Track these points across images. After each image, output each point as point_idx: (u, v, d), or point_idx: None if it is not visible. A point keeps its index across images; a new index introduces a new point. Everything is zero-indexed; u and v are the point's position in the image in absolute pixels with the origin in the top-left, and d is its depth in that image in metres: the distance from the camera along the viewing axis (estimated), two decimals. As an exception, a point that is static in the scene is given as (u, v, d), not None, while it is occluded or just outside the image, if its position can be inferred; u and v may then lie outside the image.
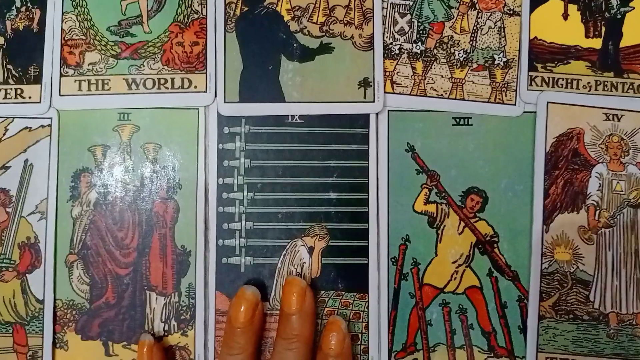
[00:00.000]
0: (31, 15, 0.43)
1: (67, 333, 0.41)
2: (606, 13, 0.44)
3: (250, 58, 0.43)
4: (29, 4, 0.43)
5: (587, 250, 0.42)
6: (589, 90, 0.43)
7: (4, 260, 0.41)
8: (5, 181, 0.42)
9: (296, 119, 0.42)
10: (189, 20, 0.43)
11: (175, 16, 0.43)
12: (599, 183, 0.42)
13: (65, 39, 0.43)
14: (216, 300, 0.41)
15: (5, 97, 0.42)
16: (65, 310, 0.41)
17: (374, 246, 0.42)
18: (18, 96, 0.42)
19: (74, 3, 0.43)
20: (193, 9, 0.43)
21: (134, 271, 0.41)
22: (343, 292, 0.41)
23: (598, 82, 0.43)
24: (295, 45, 0.43)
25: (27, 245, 0.41)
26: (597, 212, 0.42)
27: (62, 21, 0.43)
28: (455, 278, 0.42)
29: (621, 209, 0.42)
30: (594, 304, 0.42)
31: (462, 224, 0.42)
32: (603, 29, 0.44)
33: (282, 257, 0.42)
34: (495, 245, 0.42)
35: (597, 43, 0.44)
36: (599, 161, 0.42)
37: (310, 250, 0.42)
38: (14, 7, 0.43)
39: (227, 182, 0.42)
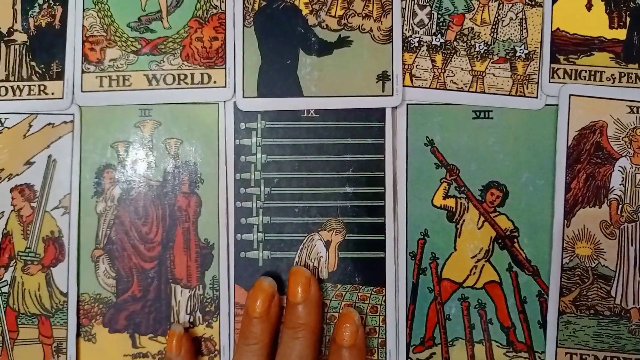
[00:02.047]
0: (53, 12, 0.44)
1: (94, 326, 0.42)
2: (631, 3, 0.43)
3: (269, 53, 0.43)
4: (51, 1, 0.44)
5: (609, 245, 0.41)
6: (613, 83, 0.42)
7: (30, 254, 0.42)
8: (29, 176, 0.43)
9: (312, 114, 0.42)
10: (208, 15, 0.43)
11: (195, 11, 0.43)
12: (622, 177, 0.42)
13: (87, 35, 0.43)
14: (235, 293, 0.41)
15: (29, 94, 0.43)
16: (93, 304, 0.42)
17: (391, 240, 0.42)
18: (41, 92, 0.43)
19: (94, 0, 0.43)
20: (212, 3, 0.43)
21: (158, 265, 0.42)
22: (360, 286, 0.42)
23: (622, 74, 0.42)
24: (313, 39, 0.43)
25: (51, 240, 0.42)
26: (620, 206, 0.41)
27: (83, 18, 0.43)
28: (474, 273, 0.42)
29: (645, 203, 0.41)
30: (616, 299, 0.41)
31: (482, 218, 0.42)
32: (628, 19, 0.43)
33: (299, 251, 0.42)
34: (515, 240, 0.42)
35: (621, 34, 0.43)
36: (622, 155, 0.42)
37: (327, 244, 0.42)
38: (36, 5, 0.44)
39: (244, 177, 0.42)
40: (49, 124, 0.43)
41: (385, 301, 0.41)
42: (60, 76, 0.43)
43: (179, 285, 0.42)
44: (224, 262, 0.42)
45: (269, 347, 0.39)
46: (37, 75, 0.43)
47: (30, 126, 0.43)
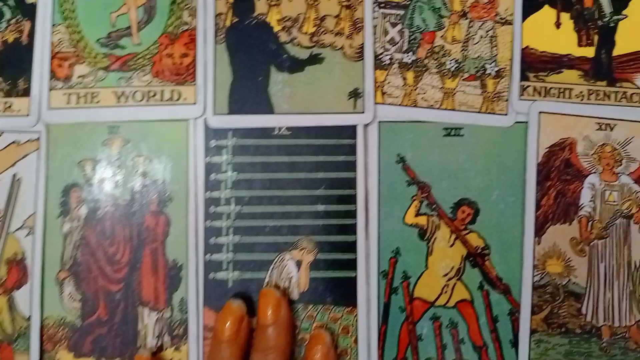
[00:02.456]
0: (21, 28, 0.43)
1: (59, 351, 0.41)
2: (599, 21, 0.43)
3: (240, 69, 0.42)
4: (18, 16, 0.43)
5: (580, 262, 0.41)
6: (582, 100, 0.43)
7: (-9, 277, 0.41)
8: (-7, 196, 0.42)
9: (283, 131, 0.42)
10: (179, 31, 0.43)
11: (165, 27, 0.43)
12: (592, 194, 0.42)
13: (55, 51, 0.42)
14: (204, 315, 0.41)
15: (-6, 111, 0.42)
16: (57, 329, 0.41)
17: (363, 259, 0.41)
18: (7, 109, 0.42)
19: (63, 15, 0.43)
20: (183, 20, 0.43)
21: (125, 287, 0.41)
22: (332, 306, 0.41)
23: (591, 92, 0.43)
24: (285, 56, 0.42)
25: (14, 262, 0.41)
26: (590, 223, 0.42)
27: (52, 33, 0.43)
28: (446, 291, 0.42)
29: (614, 220, 0.42)
30: (587, 317, 0.41)
31: (453, 236, 0.42)
32: (596, 37, 0.43)
33: (269, 271, 0.41)
34: (487, 257, 0.42)
35: (589, 52, 0.43)
36: (592, 171, 0.42)
37: (298, 264, 0.41)
38: (3, 20, 0.43)
39: (214, 196, 0.42)
40: (14, 142, 0.42)
41: (357, 321, 0.41)
42: (26, 93, 0.42)
43: (146, 307, 0.41)
44: (193, 284, 0.41)
45: None
46: (3, 92, 0.42)
47: (-5, 144, 0.42)
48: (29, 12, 0.43)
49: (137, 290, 0.41)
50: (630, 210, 0.42)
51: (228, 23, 0.43)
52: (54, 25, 0.43)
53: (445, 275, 0.42)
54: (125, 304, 0.41)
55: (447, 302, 0.42)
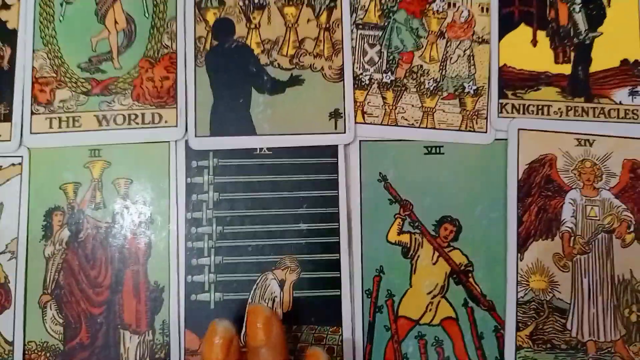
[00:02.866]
0: (1, 54, 0.43)
1: (40, 376, 0.40)
2: (575, 39, 0.44)
3: (221, 92, 0.43)
4: (-1, 42, 0.43)
5: (563, 277, 0.41)
6: (560, 116, 0.43)
7: (-27, 302, 0.41)
8: (-26, 221, 0.42)
9: (264, 151, 0.42)
10: (159, 55, 0.43)
11: (145, 51, 0.43)
12: (573, 209, 0.42)
13: (36, 76, 0.43)
14: (186, 338, 0.40)
15: (-24, 136, 0.42)
16: (40, 353, 0.40)
17: (347, 278, 0.41)
18: (-12, 134, 0.42)
19: (44, 41, 0.43)
20: (163, 43, 0.43)
21: (107, 310, 0.41)
22: (316, 326, 0.41)
23: (569, 108, 0.43)
24: (265, 78, 0.43)
25: (-4, 286, 0.41)
26: (572, 238, 0.42)
27: (33, 59, 0.43)
28: (430, 309, 0.41)
29: (596, 234, 0.42)
30: (572, 332, 0.41)
31: (436, 253, 0.42)
32: (572, 54, 0.44)
33: (252, 291, 0.41)
34: (470, 274, 0.42)
35: (566, 69, 0.44)
36: (572, 187, 0.42)
37: (282, 283, 0.41)
38: (-15, 46, 0.43)
39: (195, 216, 0.42)
40: (-4, 166, 0.42)
41: (341, 341, 0.41)
42: (7, 118, 0.42)
43: (127, 330, 0.41)
44: (175, 306, 0.41)
45: None
46: (-16, 117, 0.42)
47: (-23, 169, 0.42)
48: (10, 38, 0.43)
49: (118, 313, 0.41)
50: (612, 225, 0.42)
51: (208, 46, 0.43)
52: (35, 50, 0.43)
53: (430, 293, 0.42)
54: (107, 327, 0.41)
55: (432, 320, 0.41)
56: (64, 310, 0.41)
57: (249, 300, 0.41)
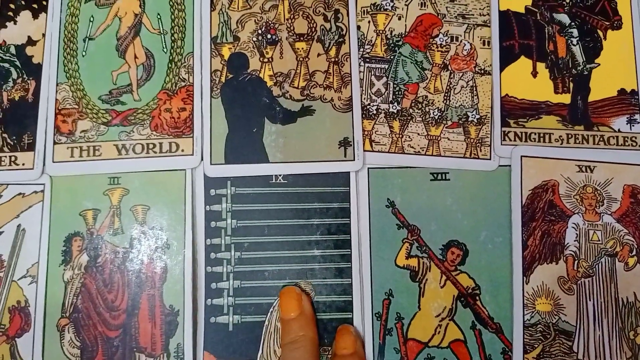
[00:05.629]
0: (26, 86, 0.45)
1: (57, 398, 0.41)
2: (573, 70, 0.46)
3: (235, 122, 0.45)
4: (24, 76, 0.46)
5: (568, 300, 0.42)
6: (561, 144, 0.45)
7: (-6, 325, 0.42)
8: (-3, 246, 0.43)
9: (280, 180, 0.44)
10: (177, 87, 0.45)
11: (164, 84, 0.45)
12: (576, 233, 0.43)
13: (59, 108, 0.45)
14: (204, 360, 0.41)
15: (0, 165, 0.44)
16: (57, 375, 0.42)
17: (358, 302, 0.42)
18: (12, 163, 0.44)
19: (67, 75, 0.45)
20: (180, 77, 0.45)
21: (123, 333, 0.42)
22: (329, 347, 0.42)
23: (569, 135, 0.45)
24: (278, 108, 0.45)
25: (17, 309, 0.42)
26: (576, 262, 0.43)
27: (57, 91, 0.45)
28: (439, 332, 0.42)
29: (599, 258, 0.43)
30: (578, 354, 0.42)
31: (444, 277, 0.43)
32: (571, 85, 0.46)
33: (269, 314, 0.42)
34: (477, 297, 0.43)
35: (566, 98, 0.45)
36: (575, 212, 0.44)
37: (296, 307, 0.42)
38: (10, 79, 0.46)
39: (214, 243, 0.43)
40: (20, 193, 0.44)
41: (352, 363, 0.41)
42: (31, 147, 0.44)
43: (143, 354, 0.42)
44: (189, 329, 0.42)
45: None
46: (9, 146, 0.44)
47: (1, 196, 0.44)
48: (35, 72, 0.45)
49: (134, 336, 0.42)
50: (615, 249, 0.43)
51: (223, 79, 0.45)
52: (58, 83, 0.45)
53: (438, 315, 0.43)
54: (123, 350, 0.42)
55: (441, 342, 0.42)
56: (81, 334, 0.42)
57: (266, 322, 0.42)
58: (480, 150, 0.44)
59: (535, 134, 0.45)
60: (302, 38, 0.46)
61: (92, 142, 0.44)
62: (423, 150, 0.44)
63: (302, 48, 0.46)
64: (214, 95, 0.45)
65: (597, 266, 0.43)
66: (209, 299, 0.42)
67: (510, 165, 0.44)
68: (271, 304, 0.42)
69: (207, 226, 0.43)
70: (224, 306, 0.42)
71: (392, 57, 0.46)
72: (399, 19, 0.46)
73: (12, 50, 0.46)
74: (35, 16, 0.46)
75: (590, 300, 0.42)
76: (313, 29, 0.46)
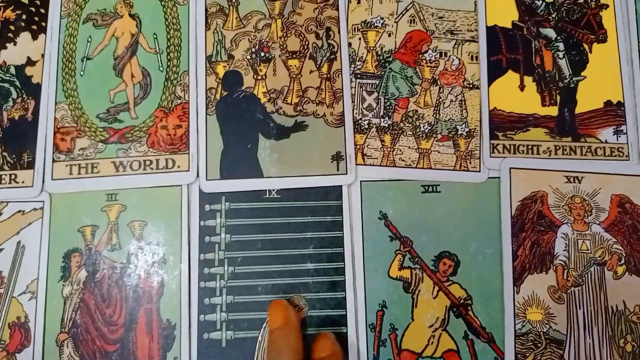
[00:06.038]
0: (26, 106, 0.46)
1: (56, 413, 0.42)
2: (560, 82, 0.47)
3: (230, 138, 0.46)
4: (24, 95, 0.47)
5: (559, 309, 0.43)
6: (549, 155, 0.46)
7: (-5, 341, 0.43)
8: (-3, 263, 0.44)
9: (273, 194, 0.45)
10: (173, 105, 0.46)
11: (160, 102, 0.46)
12: (565, 243, 0.44)
13: (58, 126, 0.46)
14: (198, 375, 0.42)
15: (0, 183, 0.45)
16: (55, 390, 0.42)
17: (352, 315, 0.43)
18: (12, 181, 0.45)
19: (66, 94, 0.46)
20: (176, 95, 0.46)
21: (121, 347, 0.43)
22: (322, 361, 0.42)
23: (557, 147, 0.46)
24: (272, 124, 0.46)
25: (17, 325, 0.43)
26: (565, 271, 0.44)
27: (55, 110, 0.46)
28: (432, 342, 0.43)
29: (588, 267, 0.44)
30: (569, 362, 0.43)
31: (436, 288, 0.44)
32: (558, 97, 0.47)
33: (262, 330, 0.43)
34: (469, 307, 0.43)
35: (553, 111, 0.46)
36: (564, 222, 0.44)
37: (290, 320, 0.43)
38: (10, 99, 0.47)
39: (208, 258, 0.44)
40: (19, 211, 0.45)
41: (347, 375, 0.42)
42: (30, 165, 0.45)
43: (141, 367, 0.42)
44: (186, 343, 0.42)
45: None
46: (9, 165, 0.45)
47: (0, 214, 0.45)
48: (34, 92, 0.47)
49: (132, 350, 0.43)
50: (604, 258, 0.44)
51: (218, 96, 0.46)
52: (57, 102, 0.46)
53: (431, 326, 0.43)
54: (121, 364, 0.42)
55: (434, 352, 0.43)
56: (80, 348, 0.43)
57: (259, 338, 0.43)
58: (470, 163, 0.45)
59: (523, 146, 0.46)
60: (294, 55, 0.47)
61: (90, 160, 0.45)
62: (414, 163, 0.45)
63: (295, 65, 0.47)
64: (209, 112, 0.46)
65: (586, 275, 0.44)
66: (202, 315, 0.43)
67: (499, 177, 0.45)
68: (264, 319, 0.43)
69: (201, 241, 0.44)
70: (217, 322, 0.43)
71: (382, 72, 0.47)
72: (389, 35, 0.47)
73: (12, 70, 0.47)
74: (34, 37, 0.48)
75: (580, 309, 0.43)
76: (305, 47, 0.47)
